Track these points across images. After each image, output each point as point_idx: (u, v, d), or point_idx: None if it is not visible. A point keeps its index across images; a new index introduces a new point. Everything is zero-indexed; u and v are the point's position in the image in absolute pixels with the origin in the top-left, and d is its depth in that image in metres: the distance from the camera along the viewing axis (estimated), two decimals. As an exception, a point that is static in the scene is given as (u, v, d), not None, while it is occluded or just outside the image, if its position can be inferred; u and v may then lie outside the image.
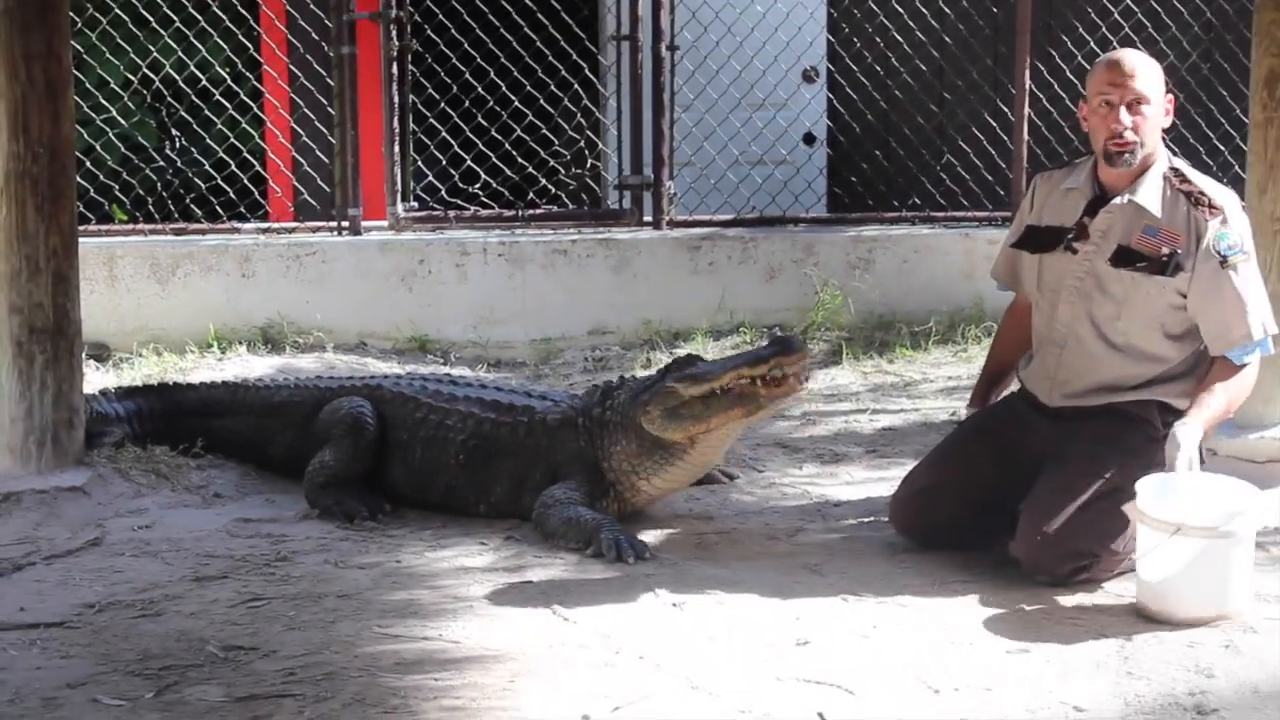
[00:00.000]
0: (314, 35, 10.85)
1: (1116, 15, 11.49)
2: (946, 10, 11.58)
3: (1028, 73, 10.45)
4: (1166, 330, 5.64)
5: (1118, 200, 5.69)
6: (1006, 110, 11.02)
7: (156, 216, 10.95)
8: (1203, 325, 5.59)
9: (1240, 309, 5.52)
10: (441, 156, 11.30)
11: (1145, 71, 5.64)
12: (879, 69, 11.87)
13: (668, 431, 6.10)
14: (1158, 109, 5.65)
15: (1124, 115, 5.61)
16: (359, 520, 6.40)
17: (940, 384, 9.06)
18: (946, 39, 11.84)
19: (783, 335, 6.05)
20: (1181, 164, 5.77)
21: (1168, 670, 4.74)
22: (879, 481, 6.93)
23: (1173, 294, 5.59)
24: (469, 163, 11.19)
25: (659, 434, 6.12)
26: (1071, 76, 11.47)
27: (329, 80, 10.47)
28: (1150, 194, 5.63)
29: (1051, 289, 5.81)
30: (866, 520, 6.40)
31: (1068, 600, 5.32)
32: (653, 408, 6.11)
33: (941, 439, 6.47)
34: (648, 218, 10.64)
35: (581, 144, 11.58)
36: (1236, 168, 10.71)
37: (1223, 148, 11.55)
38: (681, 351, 9.53)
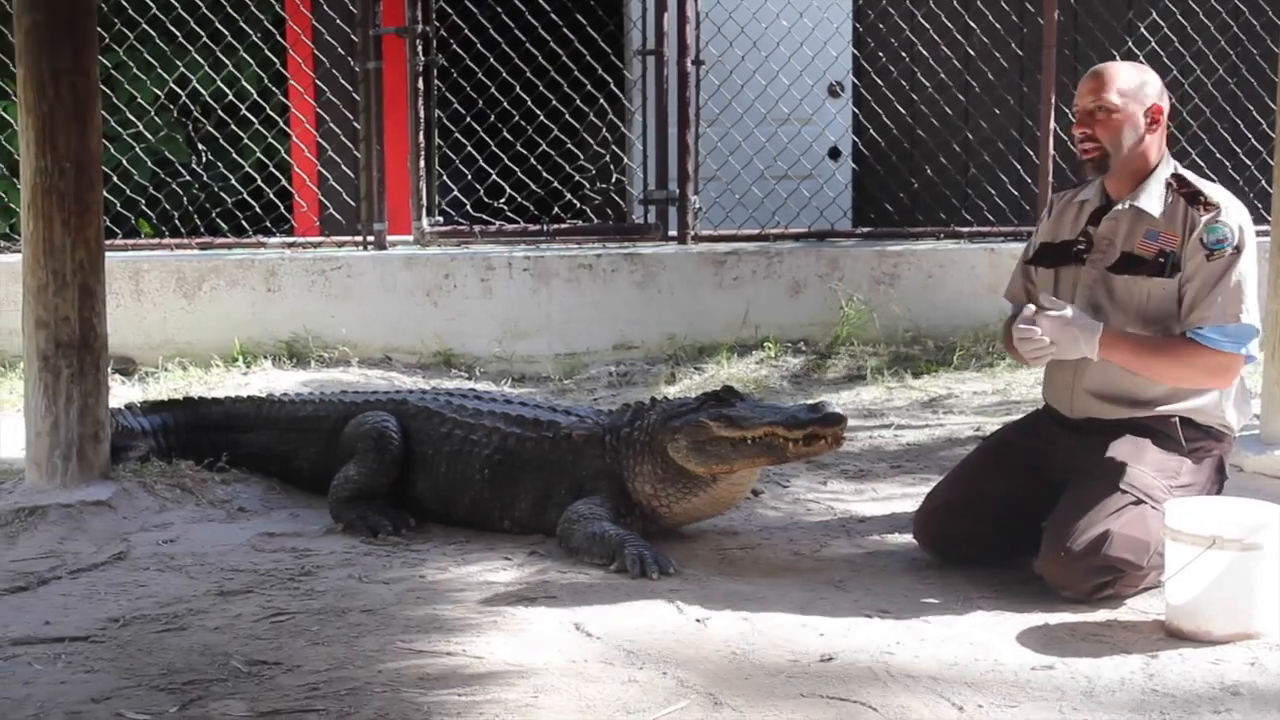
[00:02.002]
0: (340, 50, 10.89)
1: (1143, 30, 11.49)
2: (972, 25, 11.57)
3: (1053, 88, 10.45)
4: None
5: (1120, 206, 5.71)
6: (1032, 125, 11.02)
7: (183, 231, 11.01)
8: (1180, 311, 5.59)
9: (1211, 293, 5.51)
10: (467, 171, 11.33)
11: (1116, 80, 5.68)
12: (904, 83, 11.88)
13: (691, 463, 6.08)
14: (1130, 116, 5.65)
15: (1082, 119, 5.70)
16: (383, 535, 6.40)
17: (966, 399, 9.05)
18: (972, 54, 11.83)
19: (824, 406, 5.97)
20: (1186, 171, 5.78)
21: (1192, 688, 4.71)
22: (904, 497, 6.91)
23: (1175, 295, 5.59)
24: (494, 177, 11.22)
25: (683, 463, 6.11)
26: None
27: (355, 95, 10.52)
28: (1151, 198, 5.65)
29: (1067, 301, 5.80)
30: (891, 536, 6.38)
31: (1092, 617, 5.29)
32: (681, 437, 6.09)
33: (966, 455, 6.46)
34: (673, 232, 10.66)
35: (606, 158, 11.60)
36: (1263, 182, 10.69)
37: (1249, 162, 11.53)
38: (711, 373, 9.56)
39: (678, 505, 6.23)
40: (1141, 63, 6.03)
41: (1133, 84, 5.67)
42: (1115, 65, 5.82)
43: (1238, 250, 5.55)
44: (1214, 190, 5.69)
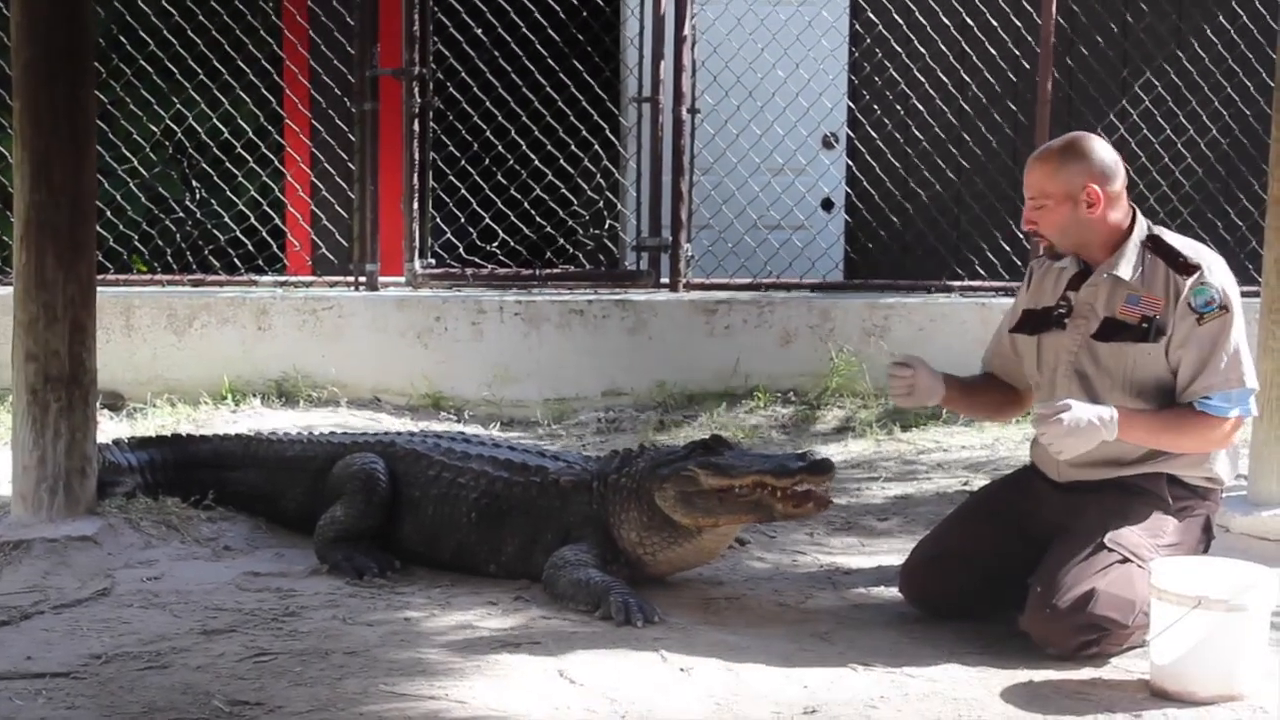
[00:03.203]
0: (336, 91, 10.93)
1: (1137, 89, 11.54)
2: (967, 79, 11.62)
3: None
4: (1163, 400, 5.63)
5: (1096, 275, 5.71)
6: (1025, 181, 11.03)
7: (175, 267, 11.01)
8: (1178, 379, 5.59)
9: (1210, 361, 5.51)
10: (460, 214, 11.35)
11: (1042, 170, 5.71)
12: (898, 136, 11.92)
13: (677, 513, 6.06)
14: (1063, 204, 5.66)
15: (1026, 212, 5.75)
16: (369, 576, 6.37)
17: (954, 453, 9.05)
18: (967, 108, 11.88)
19: (813, 454, 5.98)
20: (1161, 230, 5.78)
21: (1177, 748, 4.72)
22: (890, 550, 6.91)
23: (1161, 359, 5.58)
24: (487, 220, 11.24)
25: (669, 513, 6.09)
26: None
27: (350, 136, 10.55)
28: (1127, 264, 5.65)
29: (1050, 368, 5.81)
30: (877, 589, 6.37)
31: (1077, 675, 5.28)
32: (669, 486, 6.07)
33: (953, 509, 6.46)
34: (664, 280, 10.68)
35: (600, 204, 11.63)
36: (1254, 243, 10.71)
37: (1240, 223, 11.57)
38: (701, 421, 9.55)
39: (662, 554, 6.21)
40: (1097, 134, 5.99)
41: (1058, 173, 5.66)
42: (1041, 155, 5.80)
43: (1225, 309, 5.54)
44: (1192, 249, 5.68)
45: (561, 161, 11.42)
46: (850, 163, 12.10)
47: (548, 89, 11.17)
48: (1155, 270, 5.64)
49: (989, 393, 6.28)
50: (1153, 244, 5.69)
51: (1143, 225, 5.75)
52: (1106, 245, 5.71)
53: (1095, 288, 5.73)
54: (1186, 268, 5.59)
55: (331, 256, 11.14)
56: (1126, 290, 5.65)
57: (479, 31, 11.13)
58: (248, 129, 11.45)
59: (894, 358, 6.08)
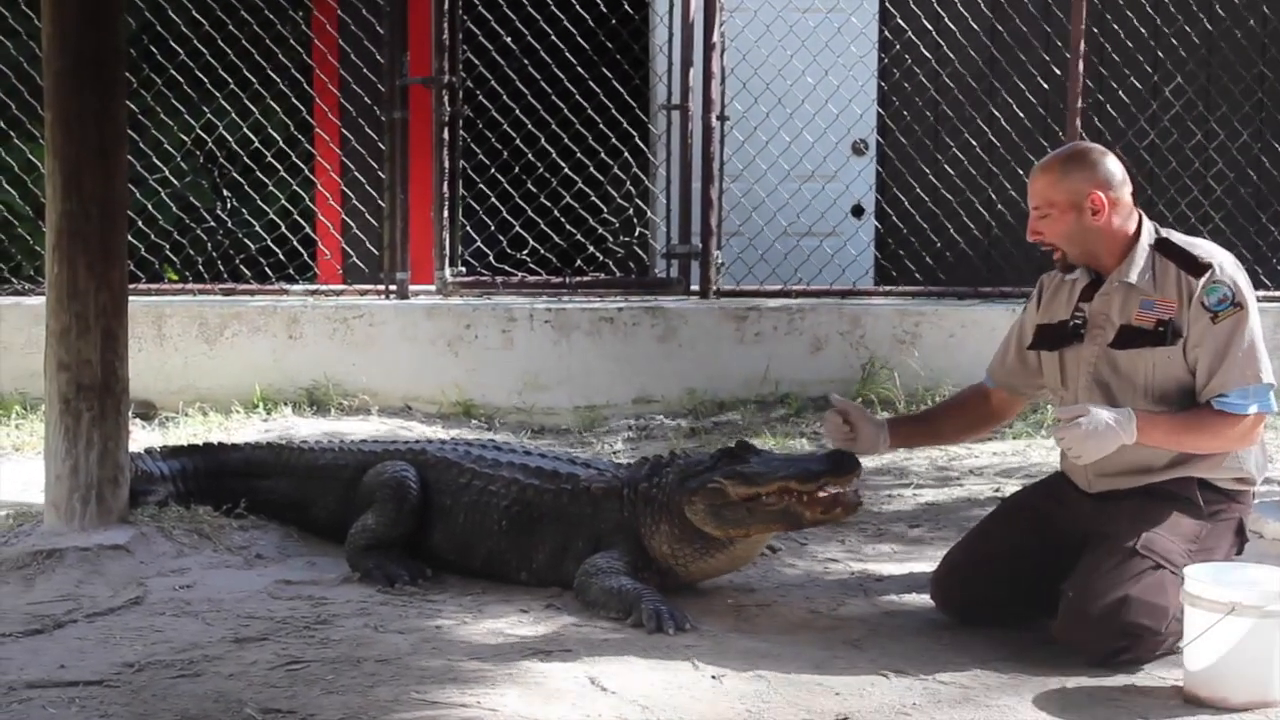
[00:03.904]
0: (366, 99, 10.95)
1: (1168, 93, 11.50)
2: (997, 85, 11.61)
3: (1078, 149, 10.44)
4: (1186, 404, 5.60)
5: (1108, 284, 5.70)
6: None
7: (206, 276, 11.05)
8: (1196, 379, 5.56)
9: (1225, 358, 5.48)
10: (490, 222, 11.37)
11: (1045, 179, 5.74)
12: (928, 142, 11.91)
13: (708, 526, 6.05)
14: (1068, 213, 5.66)
15: (1031, 223, 5.78)
16: (400, 584, 6.38)
17: (984, 460, 9.03)
18: (996, 114, 11.86)
19: (838, 452, 5.99)
20: (1170, 232, 5.77)
21: (1210, 755, 4.70)
22: (921, 557, 6.89)
23: (1180, 361, 5.56)
24: (517, 228, 11.25)
25: (700, 526, 6.08)
26: (1121, 154, 11.45)
27: (380, 144, 10.57)
28: (1138, 270, 5.63)
29: (1073, 381, 5.79)
30: (908, 596, 6.36)
31: (1110, 681, 5.26)
32: (697, 500, 6.07)
33: (985, 515, 6.44)
34: (695, 287, 10.68)
35: (630, 212, 11.63)
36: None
37: (1273, 228, 11.53)
38: (730, 429, 9.54)
39: (694, 564, 6.21)
40: (1090, 144, 6.00)
41: (1061, 181, 5.67)
42: (1044, 164, 5.81)
43: (1239, 305, 5.51)
44: (1202, 248, 5.67)
45: (591, 169, 11.42)
46: (880, 169, 12.09)
47: (577, 96, 11.18)
48: (1166, 273, 5.61)
49: (954, 419, 6.43)
50: (1162, 247, 5.67)
51: (1150, 230, 5.74)
52: (1115, 253, 5.69)
53: (1108, 296, 5.71)
54: (1198, 267, 5.57)
55: (362, 265, 11.16)
56: (1140, 296, 5.63)
57: (508, 39, 11.15)
58: (278, 138, 11.49)
59: (833, 402, 6.11)
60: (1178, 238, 5.73)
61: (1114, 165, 5.73)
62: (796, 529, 6.08)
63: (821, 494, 5.87)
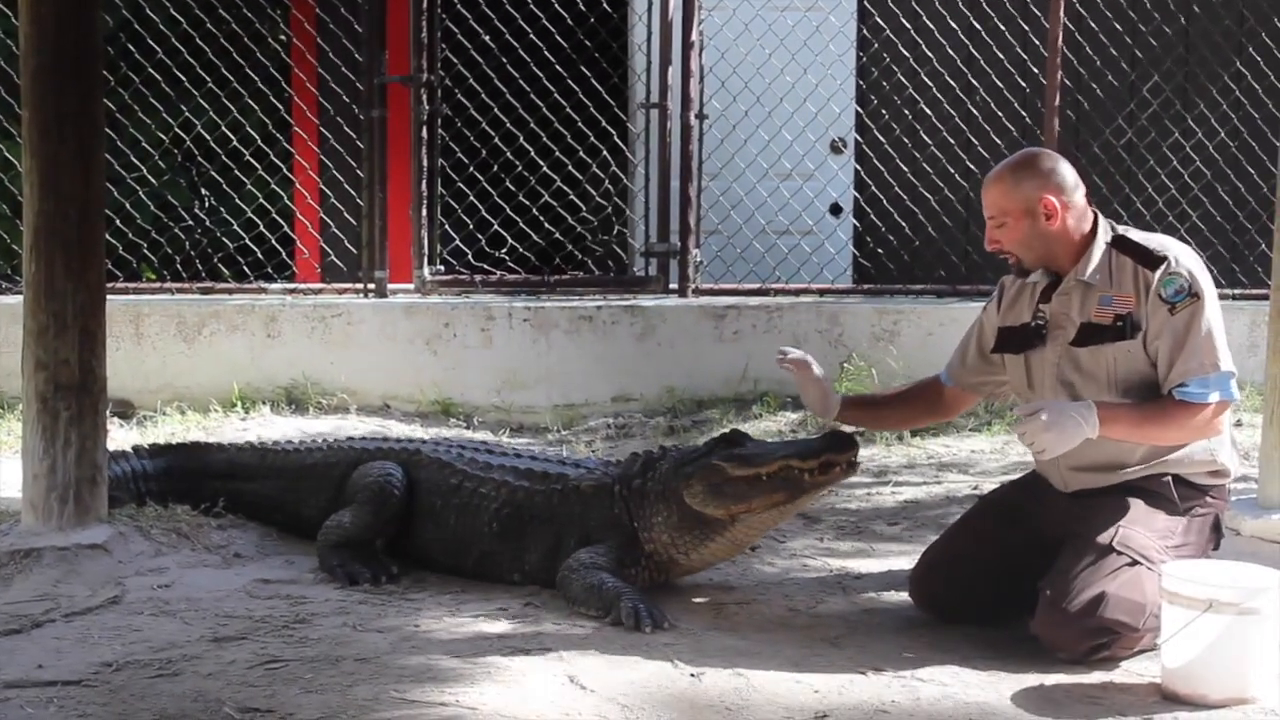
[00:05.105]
0: (345, 98, 10.94)
1: (1145, 92, 11.53)
2: (975, 84, 11.63)
3: (1055, 149, 10.46)
4: (1152, 397, 5.62)
5: (1065, 283, 5.73)
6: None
7: (184, 275, 11.03)
8: (1158, 371, 5.59)
9: (1186, 348, 5.51)
10: (469, 220, 11.36)
11: (997, 188, 5.76)
12: (906, 141, 11.92)
13: (709, 507, 6.06)
14: (1021, 219, 5.70)
15: (988, 232, 5.80)
16: (362, 583, 6.37)
17: (964, 458, 9.04)
18: (974, 112, 11.87)
19: (835, 431, 6.04)
20: (1126, 229, 5.80)
21: (1188, 752, 4.71)
22: (900, 555, 6.91)
23: (1141, 355, 5.58)
24: (496, 227, 11.25)
25: (700, 508, 6.08)
26: (1099, 152, 11.50)
27: (358, 143, 10.56)
28: (1095, 268, 5.67)
29: (1039, 383, 5.82)
30: (887, 594, 6.37)
31: (1088, 678, 5.28)
32: (696, 482, 6.08)
33: (963, 513, 6.45)
34: (673, 285, 10.68)
35: (609, 210, 11.64)
36: (1264, 246, 10.71)
37: (1249, 225, 11.56)
38: (710, 426, 9.54)
39: (695, 552, 6.20)
40: (1040, 150, 6.04)
41: (1013, 190, 5.71)
42: (995, 174, 5.82)
43: (1196, 296, 5.53)
44: (1159, 242, 5.70)
45: (570, 168, 11.43)
46: (858, 167, 12.10)
47: (555, 95, 11.18)
48: (1123, 268, 5.64)
49: (903, 408, 6.57)
50: (1118, 244, 5.70)
51: (1106, 227, 5.77)
52: (1071, 254, 5.73)
53: (1067, 296, 5.74)
54: (1153, 260, 5.59)
55: (340, 264, 11.15)
56: (1098, 293, 5.66)
57: (487, 38, 11.14)
58: (256, 136, 11.46)
59: (788, 352, 6.29)
60: (1134, 234, 5.76)
61: (1065, 169, 5.77)
62: (797, 496, 6.00)
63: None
